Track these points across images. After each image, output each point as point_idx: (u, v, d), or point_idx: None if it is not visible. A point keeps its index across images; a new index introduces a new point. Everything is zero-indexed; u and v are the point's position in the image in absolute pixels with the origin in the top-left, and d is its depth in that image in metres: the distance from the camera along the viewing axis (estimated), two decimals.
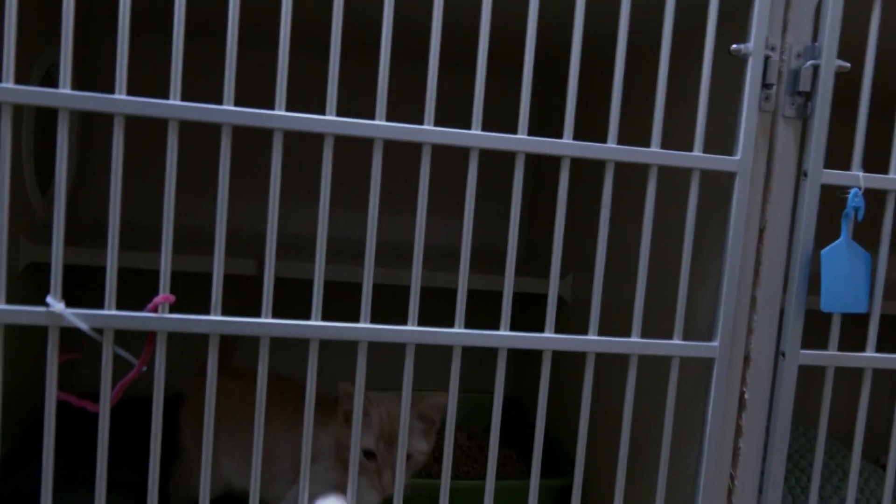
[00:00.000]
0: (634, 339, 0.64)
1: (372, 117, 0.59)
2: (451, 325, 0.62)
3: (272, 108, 0.57)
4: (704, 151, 0.64)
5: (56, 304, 0.55)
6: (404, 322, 0.61)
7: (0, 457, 0.88)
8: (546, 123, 1.30)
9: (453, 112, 1.04)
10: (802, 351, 0.66)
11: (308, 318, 0.60)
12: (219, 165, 0.57)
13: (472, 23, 0.90)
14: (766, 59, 0.65)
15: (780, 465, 0.67)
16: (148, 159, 1.24)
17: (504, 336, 0.62)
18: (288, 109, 0.58)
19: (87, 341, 0.57)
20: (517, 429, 1.20)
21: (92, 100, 0.55)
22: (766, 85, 0.65)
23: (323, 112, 0.58)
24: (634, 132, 0.87)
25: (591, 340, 0.63)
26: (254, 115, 0.57)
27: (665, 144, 0.63)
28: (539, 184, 1.32)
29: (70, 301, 0.55)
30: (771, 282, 0.67)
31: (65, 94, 0.54)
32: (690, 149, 0.64)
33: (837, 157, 0.74)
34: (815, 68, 0.65)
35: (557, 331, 0.63)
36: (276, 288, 0.59)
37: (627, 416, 0.65)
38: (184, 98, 0.56)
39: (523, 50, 0.61)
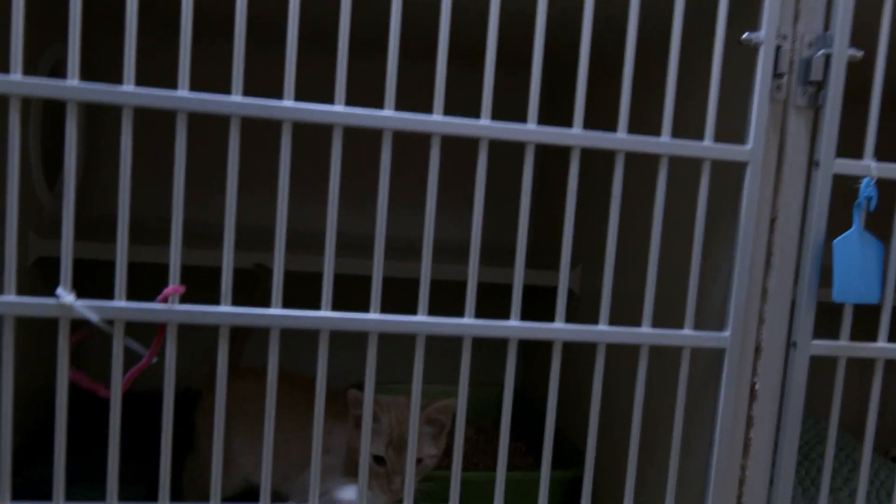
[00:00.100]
0: (645, 329, 0.64)
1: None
2: (459, 317, 0.61)
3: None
4: (715, 142, 0.63)
5: (66, 295, 0.55)
6: (413, 315, 0.61)
7: (13, 450, 0.88)
8: (554, 121, 1.30)
9: (462, 110, 1.03)
10: (814, 341, 0.66)
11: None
12: (225, 159, 0.57)
13: (480, 17, 0.89)
14: (778, 48, 0.64)
15: (791, 456, 0.67)
16: (152, 156, 1.24)
17: (514, 327, 0.62)
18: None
19: (97, 336, 0.57)
20: (525, 422, 1.20)
21: (100, 92, 0.55)
22: (777, 74, 0.64)
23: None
24: (643, 126, 0.87)
25: (602, 331, 0.63)
26: (262, 106, 0.57)
27: (675, 135, 0.63)
28: (544, 177, 1.32)
29: (78, 296, 0.55)
30: (782, 272, 0.66)
31: (73, 86, 0.54)
32: (701, 139, 0.63)
33: (847, 150, 0.74)
34: (827, 57, 0.64)
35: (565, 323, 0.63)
36: (284, 282, 0.59)
37: (638, 406, 0.65)
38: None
39: (531, 44, 0.60)
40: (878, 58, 0.66)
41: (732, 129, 0.69)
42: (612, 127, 0.62)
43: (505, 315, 0.62)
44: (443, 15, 0.59)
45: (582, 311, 1.09)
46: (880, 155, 0.66)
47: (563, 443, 1.05)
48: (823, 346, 0.66)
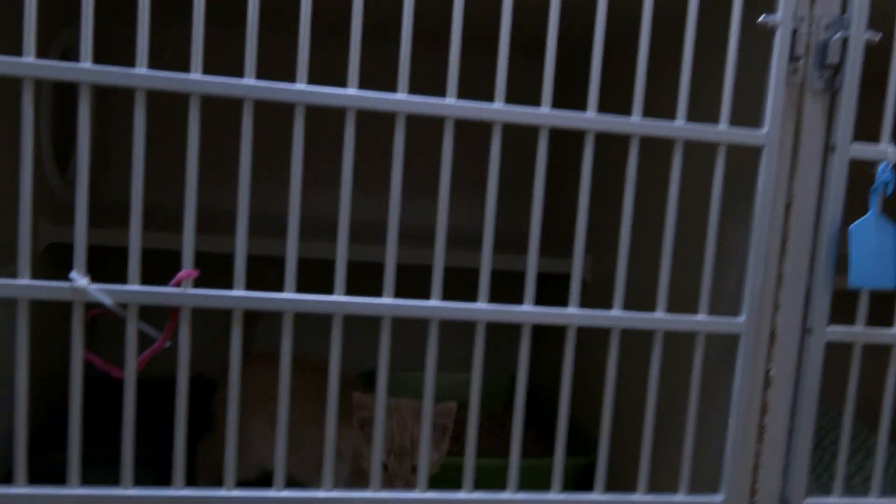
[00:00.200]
0: (659, 314, 0.63)
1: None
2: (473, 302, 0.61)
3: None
4: (730, 126, 0.63)
5: (80, 279, 0.55)
6: (427, 300, 0.61)
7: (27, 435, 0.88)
8: (567, 107, 1.29)
9: (475, 99, 1.03)
10: (829, 327, 0.66)
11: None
12: (236, 146, 0.57)
13: (495, 1, 0.89)
14: (794, 31, 0.63)
15: (806, 442, 0.67)
16: (162, 146, 1.24)
17: (528, 312, 0.61)
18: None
19: (110, 315, 0.57)
20: (535, 410, 1.20)
21: (113, 74, 0.55)
22: (793, 58, 0.64)
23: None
24: (657, 113, 0.86)
25: (616, 316, 0.63)
26: (275, 89, 0.56)
27: (690, 120, 0.63)
28: (553, 167, 1.31)
29: (90, 282, 0.55)
30: (797, 257, 0.66)
31: (86, 68, 0.54)
32: (715, 124, 0.63)
33: (864, 134, 0.73)
34: (844, 40, 0.64)
35: None
36: (295, 269, 0.59)
37: (652, 392, 0.65)
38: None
39: (545, 29, 0.60)
40: (895, 40, 0.65)
41: (748, 113, 0.68)
42: (628, 109, 0.62)
43: (516, 302, 0.62)
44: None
45: (592, 299, 1.09)
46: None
47: (574, 430, 1.05)
48: (839, 332, 0.66)
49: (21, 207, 0.55)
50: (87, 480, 0.59)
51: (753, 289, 0.64)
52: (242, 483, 0.86)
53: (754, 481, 0.69)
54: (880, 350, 0.67)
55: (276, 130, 1.27)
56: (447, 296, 0.61)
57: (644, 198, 0.90)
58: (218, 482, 0.86)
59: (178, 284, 0.57)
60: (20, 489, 0.57)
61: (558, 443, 0.64)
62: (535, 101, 1.18)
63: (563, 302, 0.64)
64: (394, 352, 1.27)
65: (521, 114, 0.59)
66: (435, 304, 0.60)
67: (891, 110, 0.65)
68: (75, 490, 0.57)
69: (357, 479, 0.78)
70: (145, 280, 0.57)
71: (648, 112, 0.63)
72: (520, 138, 1.33)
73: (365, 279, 1.00)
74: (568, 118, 0.60)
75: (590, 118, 0.60)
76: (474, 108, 0.59)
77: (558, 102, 1.31)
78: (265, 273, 0.92)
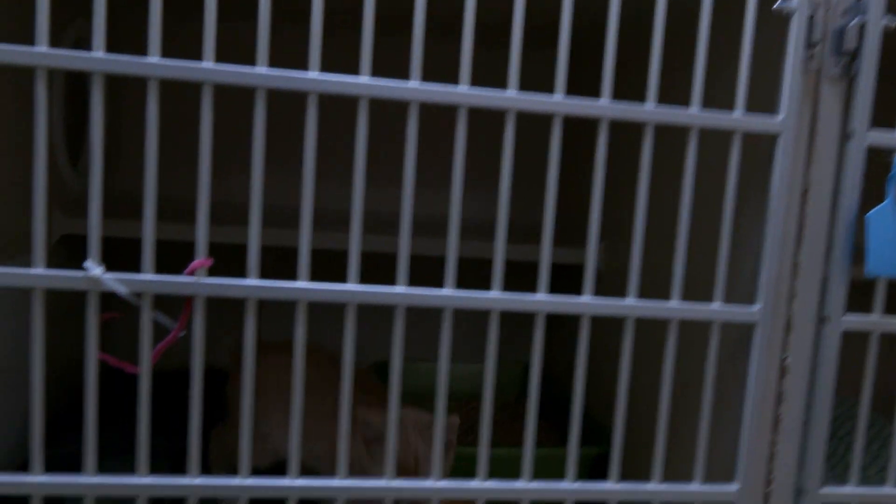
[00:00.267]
0: (674, 303, 0.63)
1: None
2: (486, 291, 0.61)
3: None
4: (745, 114, 0.62)
5: (94, 268, 0.55)
6: (440, 288, 0.61)
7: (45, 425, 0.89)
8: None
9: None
10: (846, 316, 0.65)
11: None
12: (244, 137, 0.57)
13: None
14: (811, 16, 0.63)
15: (822, 432, 0.66)
16: (172, 137, 1.24)
17: (542, 301, 0.61)
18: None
19: (122, 314, 0.58)
20: (547, 400, 1.20)
21: (125, 63, 0.55)
22: (810, 44, 0.63)
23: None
24: (670, 101, 0.86)
25: (631, 305, 0.62)
26: (288, 78, 0.56)
27: (704, 108, 0.62)
28: (565, 157, 1.31)
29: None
30: (814, 245, 0.65)
31: (98, 57, 0.54)
32: (730, 111, 0.62)
33: (882, 121, 0.72)
34: (862, 26, 0.63)
35: None
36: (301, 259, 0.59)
37: (667, 381, 0.64)
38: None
39: (554, 18, 0.59)
40: None
41: (763, 100, 0.67)
42: (641, 98, 0.61)
43: (528, 291, 0.62)
44: None
45: (605, 290, 1.09)
46: None
47: (587, 420, 1.05)
48: (855, 321, 0.65)
49: (35, 196, 0.55)
50: (101, 470, 0.59)
51: (769, 277, 0.64)
52: (255, 471, 0.86)
53: (769, 471, 0.68)
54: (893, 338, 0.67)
55: (287, 122, 1.27)
56: (459, 287, 0.61)
57: (658, 187, 0.90)
58: (230, 470, 0.86)
59: (192, 273, 0.57)
60: (37, 477, 0.57)
61: (573, 431, 0.64)
62: (548, 88, 1.18)
63: (576, 293, 0.63)
64: (406, 343, 1.27)
65: (535, 101, 0.59)
66: (449, 293, 0.60)
67: None
68: (91, 478, 0.58)
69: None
70: (157, 272, 0.57)
71: (661, 100, 0.62)
72: (529, 130, 1.32)
73: (377, 271, 1.00)
74: (582, 106, 0.60)
75: (604, 105, 0.60)
76: (487, 97, 0.59)
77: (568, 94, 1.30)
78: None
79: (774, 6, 0.62)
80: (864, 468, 0.96)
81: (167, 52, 1.20)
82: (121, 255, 1.07)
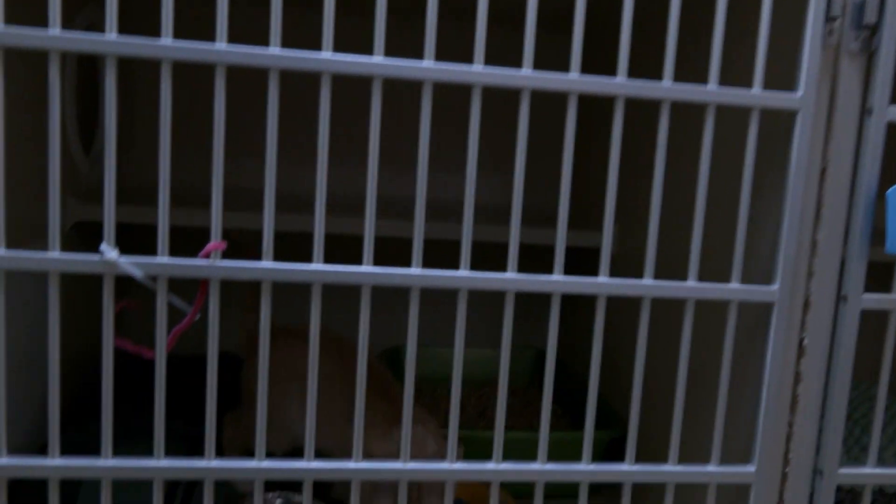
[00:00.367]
0: (691, 282, 0.63)
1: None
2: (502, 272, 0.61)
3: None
4: (763, 90, 0.61)
5: (110, 251, 0.55)
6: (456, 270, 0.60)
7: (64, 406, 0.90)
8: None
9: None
10: (865, 295, 0.64)
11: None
12: (254, 122, 0.56)
13: None
14: None
15: (840, 412, 0.66)
16: (182, 125, 1.24)
17: (559, 281, 0.61)
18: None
19: (137, 300, 0.58)
20: (559, 386, 1.20)
21: (138, 45, 0.54)
22: (829, 18, 0.62)
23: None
24: (682, 78, 0.85)
25: (647, 285, 0.62)
26: (301, 58, 0.56)
27: (721, 84, 0.61)
28: (576, 140, 1.30)
29: None
30: (832, 224, 0.65)
31: (111, 39, 0.54)
32: (747, 88, 0.61)
33: None
34: None
35: None
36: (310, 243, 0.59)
37: (684, 362, 0.64)
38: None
39: (572, 3, 0.59)
40: None
41: (780, 76, 0.66)
42: (656, 77, 0.60)
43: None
44: None
45: (620, 272, 1.08)
46: None
47: (600, 405, 1.05)
48: (874, 299, 0.65)
49: (50, 179, 0.55)
50: (117, 454, 0.59)
51: (787, 256, 0.63)
52: (272, 456, 0.86)
53: (787, 452, 0.68)
54: None
55: (300, 109, 1.26)
56: (473, 269, 0.61)
57: (672, 169, 0.89)
58: (245, 454, 0.86)
59: (206, 256, 0.57)
60: (54, 460, 0.57)
61: (588, 412, 0.64)
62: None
63: (589, 274, 0.63)
64: (419, 328, 1.27)
65: (550, 80, 0.58)
66: (464, 274, 0.60)
67: None
68: (108, 461, 0.58)
69: None
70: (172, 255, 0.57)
71: (676, 79, 0.62)
72: (541, 120, 1.32)
73: (390, 258, 1.00)
74: (597, 83, 0.59)
75: (620, 83, 0.59)
76: (502, 75, 0.58)
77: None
78: (238, 239, 0.91)
79: None
80: (882, 450, 0.95)
81: (179, 37, 1.20)
82: (133, 244, 1.07)
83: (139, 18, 1.21)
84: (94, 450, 0.59)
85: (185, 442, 0.88)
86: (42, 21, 0.54)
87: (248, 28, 1.22)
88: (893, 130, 0.63)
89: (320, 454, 0.81)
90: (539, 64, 1.23)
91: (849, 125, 0.64)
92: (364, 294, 0.59)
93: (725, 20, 0.60)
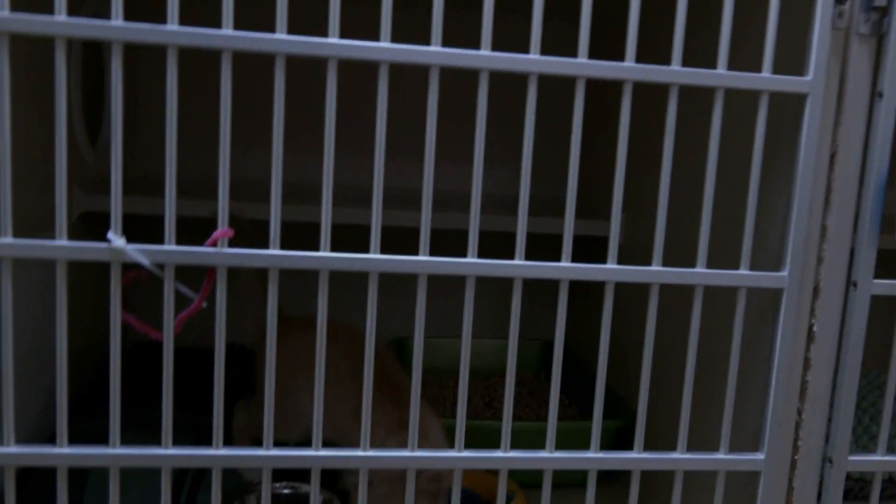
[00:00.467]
0: (700, 269, 0.62)
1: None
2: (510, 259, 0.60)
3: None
4: (772, 74, 0.61)
5: (117, 239, 0.55)
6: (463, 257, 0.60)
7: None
8: None
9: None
10: (875, 280, 0.64)
11: None
12: (261, 111, 0.56)
13: None
14: None
15: (850, 398, 0.65)
16: (185, 117, 1.24)
17: (566, 267, 0.60)
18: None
19: (144, 287, 0.57)
20: (566, 374, 1.19)
21: (145, 31, 0.54)
22: (839, 1, 0.61)
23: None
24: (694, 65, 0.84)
25: (656, 271, 0.62)
26: (308, 43, 0.56)
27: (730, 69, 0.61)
28: (582, 128, 1.30)
29: None
30: (842, 209, 0.64)
31: (117, 25, 0.54)
32: (756, 72, 0.61)
33: None
34: None
35: None
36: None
37: (693, 349, 0.64)
38: None
39: None
40: None
41: (789, 60, 0.66)
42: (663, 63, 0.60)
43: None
44: None
45: (627, 261, 1.07)
46: None
47: (607, 393, 1.04)
48: (885, 285, 0.64)
49: (58, 166, 0.55)
50: (125, 443, 0.59)
51: (797, 242, 0.63)
52: (282, 445, 0.86)
53: (796, 439, 0.68)
54: None
55: (304, 98, 1.26)
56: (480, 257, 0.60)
57: (681, 153, 0.89)
58: (256, 444, 0.86)
59: (213, 244, 0.57)
60: (62, 449, 0.57)
61: (597, 400, 0.64)
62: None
63: (596, 263, 0.62)
64: (426, 319, 1.27)
65: (558, 63, 0.58)
66: (472, 261, 0.59)
67: None
68: (116, 450, 0.58)
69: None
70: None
71: (685, 64, 0.61)
72: (547, 110, 1.31)
73: (395, 247, 0.99)
74: (605, 67, 0.59)
75: (628, 67, 0.59)
76: (509, 59, 0.58)
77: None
78: (241, 224, 0.90)
79: None
80: (890, 438, 0.95)
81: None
82: (138, 236, 1.07)
83: (142, 10, 1.20)
84: (102, 441, 0.59)
85: (193, 432, 0.88)
86: (48, 11, 0.54)
87: (254, 18, 1.22)
88: None
89: (333, 445, 0.81)
90: (547, 53, 1.22)
91: (859, 109, 0.63)
92: (371, 282, 0.59)
93: (734, 3, 0.60)
